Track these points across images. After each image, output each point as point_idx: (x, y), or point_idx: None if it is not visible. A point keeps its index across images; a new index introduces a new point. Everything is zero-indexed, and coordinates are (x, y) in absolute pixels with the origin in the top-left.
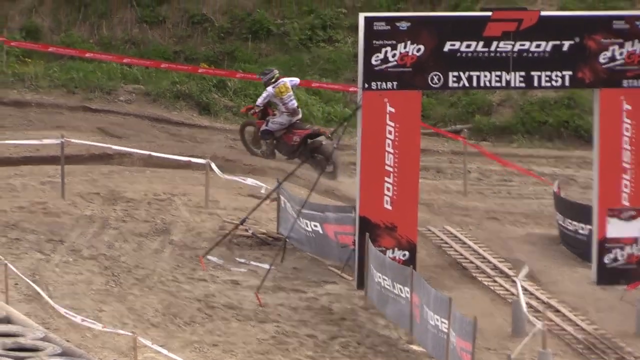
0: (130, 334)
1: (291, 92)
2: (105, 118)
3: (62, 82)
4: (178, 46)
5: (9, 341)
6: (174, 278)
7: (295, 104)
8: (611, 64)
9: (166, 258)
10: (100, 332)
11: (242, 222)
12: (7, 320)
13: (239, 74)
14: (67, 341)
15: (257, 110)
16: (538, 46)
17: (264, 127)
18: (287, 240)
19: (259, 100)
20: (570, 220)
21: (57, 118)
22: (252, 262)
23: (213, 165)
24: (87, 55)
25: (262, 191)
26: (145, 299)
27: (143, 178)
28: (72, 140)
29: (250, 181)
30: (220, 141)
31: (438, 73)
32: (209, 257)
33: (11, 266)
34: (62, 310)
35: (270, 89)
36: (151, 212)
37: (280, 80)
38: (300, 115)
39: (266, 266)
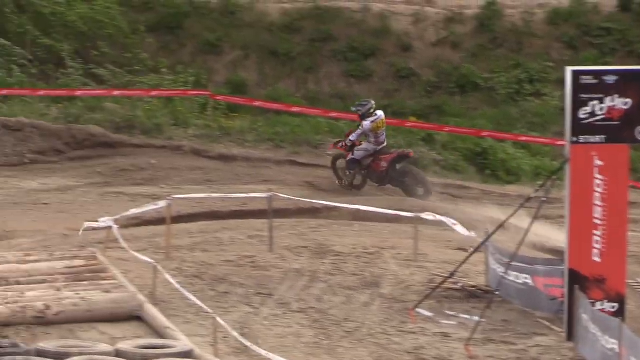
0: None
1: (385, 127)
2: (312, 172)
3: (269, 136)
4: (385, 100)
5: None
6: (384, 331)
7: (384, 137)
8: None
9: (375, 311)
10: None
11: (452, 274)
12: None
13: (448, 127)
14: None
15: (347, 144)
16: None
17: (350, 156)
18: (496, 292)
19: (354, 136)
20: None
21: (264, 172)
22: (461, 315)
23: (423, 218)
24: (294, 109)
25: (472, 236)
26: (355, 351)
27: (351, 232)
28: (280, 194)
29: (459, 228)
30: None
31: None
32: (418, 309)
33: (220, 320)
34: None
35: (367, 123)
36: (360, 266)
37: (378, 113)
38: (385, 144)
39: (475, 319)
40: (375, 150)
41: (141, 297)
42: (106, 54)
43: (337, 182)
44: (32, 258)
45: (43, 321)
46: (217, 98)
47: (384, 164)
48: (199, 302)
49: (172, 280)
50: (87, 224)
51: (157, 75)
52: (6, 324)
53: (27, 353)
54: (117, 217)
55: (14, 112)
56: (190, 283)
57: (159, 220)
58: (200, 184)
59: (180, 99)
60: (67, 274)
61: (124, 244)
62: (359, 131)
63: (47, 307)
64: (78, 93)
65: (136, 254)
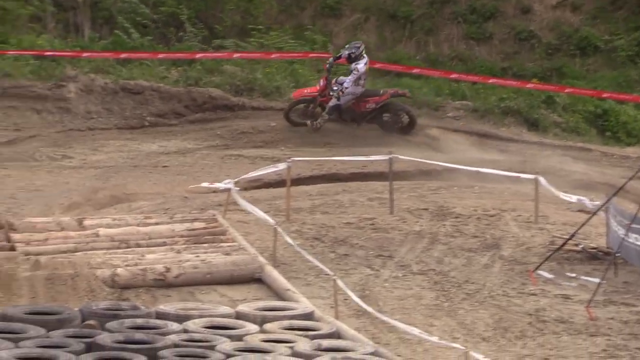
0: (462, 347)
1: None
2: (432, 134)
3: None
4: (505, 62)
5: (339, 355)
6: (504, 292)
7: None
8: None
9: (496, 273)
10: (431, 347)
11: (572, 236)
12: (338, 335)
13: (568, 89)
14: (398, 356)
15: (343, 92)
16: None
17: (333, 102)
18: (617, 254)
19: (349, 82)
20: None
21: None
22: (582, 277)
23: (542, 180)
24: (415, 71)
25: (590, 206)
26: (475, 313)
27: (472, 194)
28: (400, 156)
29: (575, 198)
30: (548, 157)
31: None
32: (539, 271)
33: (340, 282)
34: (399, 324)
35: (362, 66)
36: (480, 228)
37: (365, 55)
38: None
39: (596, 280)
40: (361, 92)
41: (261, 259)
42: (226, 18)
43: (312, 124)
44: (152, 221)
45: (163, 284)
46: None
47: (370, 105)
48: (319, 264)
49: (292, 242)
50: (206, 185)
51: (277, 38)
52: (126, 287)
53: (147, 315)
54: (237, 179)
55: (133, 75)
56: (310, 245)
57: (278, 183)
58: (320, 147)
59: (300, 62)
60: (187, 237)
61: (244, 204)
62: (353, 76)
63: (167, 270)
64: (198, 56)
65: (259, 211)
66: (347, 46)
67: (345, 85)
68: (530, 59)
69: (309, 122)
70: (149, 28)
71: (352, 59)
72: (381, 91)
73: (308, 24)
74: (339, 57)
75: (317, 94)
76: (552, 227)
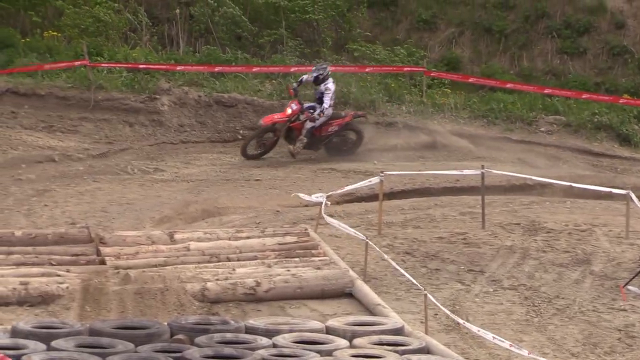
0: None
1: None
2: (526, 148)
3: (482, 112)
4: (599, 77)
5: None
6: (594, 308)
7: None
8: None
9: (586, 288)
10: None
11: None
12: (427, 350)
13: None
14: None
15: (324, 112)
16: None
17: (310, 125)
18: None
19: (328, 102)
20: None
21: (478, 149)
22: None
23: (633, 196)
24: (508, 85)
25: None
26: (565, 329)
27: (564, 208)
28: (493, 170)
29: None
30: None
31: None
32: (629, 287)
33: (431, 296)
34: (489, 337)
35: (332, 85)
36: (571, 243)
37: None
38: None
39: None
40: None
41: (352, 274)
42: (322, 31)
43: (292, 149)
44: (243, 234)
45: (253, 298)
46: (431, 74)
47: (333, 128)
48: (410, 279)
49: (385, 257)
50: (304, 197)
51: (372, 51)
52: (216, 301)
53: (236, 330)
54: (329, 193)
55: (227, 88)
56: (401, 260)
57: (371, 197)
58: (413, 161)
59: (394, 75)
60: (278, 251)
61: (329, 220)
62: (328, 96)
63: (258, 284)
64: (292, 69)
65: (348, 228)
66: (314, 68)
67: (325, 105)
68: (624, 74)
69: (291, 146)
70: (243, 41)
71: (320, 80)
72: (343, 113)
73: (402, 38)
74: (301, 82)
75: (286, 119)
76: None
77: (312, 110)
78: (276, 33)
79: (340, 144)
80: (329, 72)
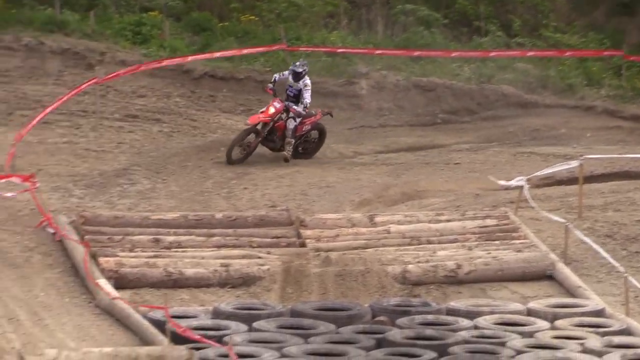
0: None
1: None
2: None
3: None
4: None
5: (630, 352)
6: None
7: None
8: None
9: None
10: None
11: None
12: (628, 332)
13: None
14: None
15: (306, 109)
16: None
17: (293, 124)
18: None
19: (309, 98)
20: None
21: None
22: None
23: None
24: None
25: None
26: None
27: None
28: None
29: None
30: None
31: None
32: None
33: (632, 279)
34: None
35: (309, 81)
36: None
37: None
38: None
39: None
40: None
41: (553, 257)
42: (517, 16)
43: (287, 155)
44: (443, 217)
45: (454, 280)
46: (631, 58)
47: (306, 127)
48: (612, 261)
49: (586, 239)
50: (499, 182)
51: (570, 35)
52: (417, 283)
53: (437, 312)
54: (529, 176)
55: (425, 72)
56: (602, 243)
57: (570, 180)
58: (613, 144)
59: (593, 59)
60: (478, 234)
61: (532, 204)
62: (309, 91)
63: (459, 266)
64: (492, 54)
65: (547, 213)
66: (297, 63)
67: (308, 100)
68: None
69: (285, 152)
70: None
71: (302, 76)
72: (313, 111)
73: (601, 22)
74: (275, 81)
75: (269, 119)
76: None
77: (295, 107)
78: (476, 17)
79: (305, 144)
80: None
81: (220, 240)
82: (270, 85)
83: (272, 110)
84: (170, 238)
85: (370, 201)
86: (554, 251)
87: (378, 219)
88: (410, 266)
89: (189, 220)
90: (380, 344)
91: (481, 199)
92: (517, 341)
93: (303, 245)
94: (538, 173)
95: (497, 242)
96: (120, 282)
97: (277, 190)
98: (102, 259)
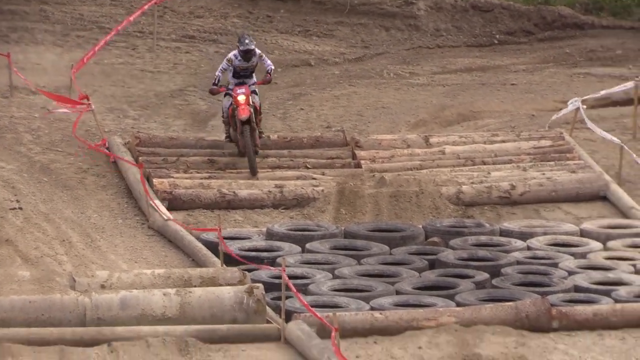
0: None
1: None
2: None
3: None
4: None
5: None
6: None
7: None
8: None
9: None
10: None
11: None
12: None
13: None
14: None
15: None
16: None
17: (258, 101)
18: None
19: (272, 64)
20: None
21: None
22: None
23: None
24: None
25: None
26: None
27: None
28: None
29: None
30: None
31: None
32: None
33: None
34: None
35: (258, 50)
36: None
37: None
38: None
39: None
40: None
41: (607, 177)
42: None
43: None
44: (498, 138)
45: (508, 201)
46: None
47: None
48: None
49: (639, 161)
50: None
51: None
52: (471, 204)
53: (491, 233)
54: (585, 97)
55: None
56: None
57: (626, 101)
58: None
59: None
60: (533, 154)
61: (590, 124)
62: (267, 59)
63: (513, 187)
64: None
65: (602, 132)
66: (245, 41)
67: (272, 67)
68: None
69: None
70: None
71: (254, 52)
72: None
73: None
74: (219, 79)
75: (250, 107)
76: None
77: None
78: None
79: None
80: None
81: (275, 161)
82: (217, 86)
83: (242, 98)
84: (225, 159)
85: (426, 122)
86: (607, 172)
87: (433, 139)
88: (464, 187)
89: None
90: (433, 265)
91: (536, 120)
92: (569, 262)
93: (358, 166)
94: (594, 94)
95: (551, 162)
96: (174, 204)
97: (332, 111)
98: (156, 180)
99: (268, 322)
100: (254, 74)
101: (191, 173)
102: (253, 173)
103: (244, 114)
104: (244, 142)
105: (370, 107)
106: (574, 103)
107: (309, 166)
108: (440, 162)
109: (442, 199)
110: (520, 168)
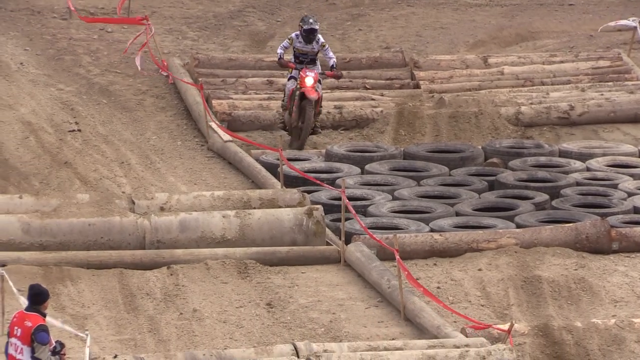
0: None
1: None
2: None
3: None
4: None
5: None
6: None
7: None
8: None
9: None
10: None
11: None
12: None
13: None
14: None
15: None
16: None
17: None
18: None
19: (334, 57)
20: None
21: None
22: None
23: None
24: None
25: None
26: None
27: None
28: None
29: None
30: None
31: None
32: None
33: None
34: None
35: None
36: None
37: None
38: None
39: None
40: None
41: None
42: None
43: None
44: (557, 59)
45: (567, 122)
46: None
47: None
48: None
49: None
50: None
51: None
52: (530, 125)
53: (550, 154)
54: None
55: None
56: None
57: None
58: None
59: None
60: (591, 75)
61: None
62: (330, 50)
63: (571, 108)
64: None
65: None
66: (309, 20)
67: (334, 60)
68: None
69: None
70: None
71: (316, 35)
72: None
73: None
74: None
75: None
76: None
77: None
78: None
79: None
80: None
81: (334, 82)
82: (286, 59)
83: (311, 80)
84: (284, 80)
85: (484, 42)
86: None
87: (492, 60)
88: (523, 107)
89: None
90: (492, 186)
91: (595, 40)
92: (629, 183)
93: (417, 86)
94: None
95: (610, 83)
96: (234, 125)
97: (391, 31)
98: (215, 102)
99: (328, 244)
100: (317, 63)
101: (250, 94)
102: (300, 147)
103: (312, 94)
104: (305, 115)
105: (428, 28)
106: (633, 22)
107: (367, 87)
108: (499, 83)
109: (501, 120)
110: (578, 89)
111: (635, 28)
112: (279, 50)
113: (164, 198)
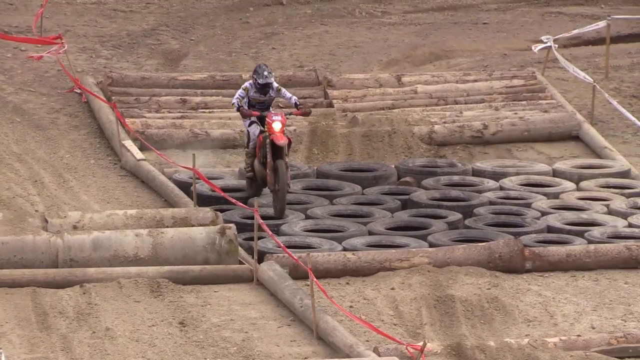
0: None
1: None
2: None
3: None
4: None
5: None
6: None
7: None
8: None
9: None
10: None
11: None
12: None
13: None
14: None
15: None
16: None
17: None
18: None
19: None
20: None
21: None
22: None
23: None
24: None
25: None
26: None
27: None
28: None
29: None
30: None
31: None
32: None
33: None
34: None
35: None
36: None
37: None
38: None
39: None
40: None
41: (579, 117)
42: None
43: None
44: (470, 78)
45: (480, 141)
46: None
47: None
48: (637, 122)
49: (612, 101)
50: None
51: None
52: (443, 144)
53: (463, 172)
54: (557, 36)
55: None
56: (628, 103)
57: (597, 41)
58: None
59: None
60: (505, 94)
61: (563, 62)
62: (287, 91)
63: (485, 127)
64: None
65: (575, 70)
66: (264, 73)
67: (295, 98)
68: None
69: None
70: None
71: (272, 86)
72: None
73: None
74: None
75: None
76: None
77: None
78: None
79: None
80: None
81: None
82: (246, 108)
83: (278, 125)
84: (197, 99)
85: (398, 61)
86: (580, 112)
87: (405, 79)
88: (436, 126)
89: (217, 81)
90: (405, 205)
91: (509, 59)
92: (542, 202)
93: (330, 105)
94: (566, 34)
95: (523, 102)
96: (147, 143)
97: (304, 50)
98: (128, 120)
99: (241, 263)
100: (271, 108)
101: (163, 112)
102: (281, 214)
103: (281, 140)
104: (278, 178)
105: (342, 47)
106: (547, 40)
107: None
108: (413, 102)
109: (415, 139)
110: (492, 107)
111: (550, 47)
112: (234, 101)
113: (77, 217)
